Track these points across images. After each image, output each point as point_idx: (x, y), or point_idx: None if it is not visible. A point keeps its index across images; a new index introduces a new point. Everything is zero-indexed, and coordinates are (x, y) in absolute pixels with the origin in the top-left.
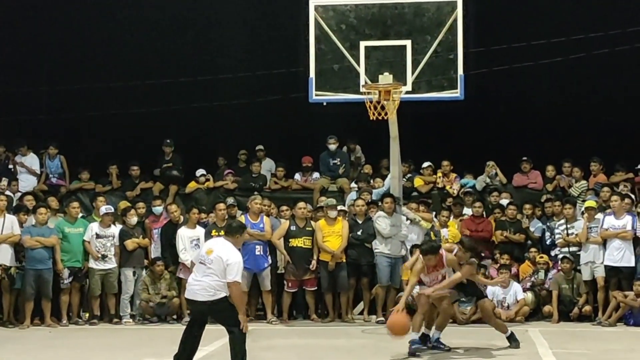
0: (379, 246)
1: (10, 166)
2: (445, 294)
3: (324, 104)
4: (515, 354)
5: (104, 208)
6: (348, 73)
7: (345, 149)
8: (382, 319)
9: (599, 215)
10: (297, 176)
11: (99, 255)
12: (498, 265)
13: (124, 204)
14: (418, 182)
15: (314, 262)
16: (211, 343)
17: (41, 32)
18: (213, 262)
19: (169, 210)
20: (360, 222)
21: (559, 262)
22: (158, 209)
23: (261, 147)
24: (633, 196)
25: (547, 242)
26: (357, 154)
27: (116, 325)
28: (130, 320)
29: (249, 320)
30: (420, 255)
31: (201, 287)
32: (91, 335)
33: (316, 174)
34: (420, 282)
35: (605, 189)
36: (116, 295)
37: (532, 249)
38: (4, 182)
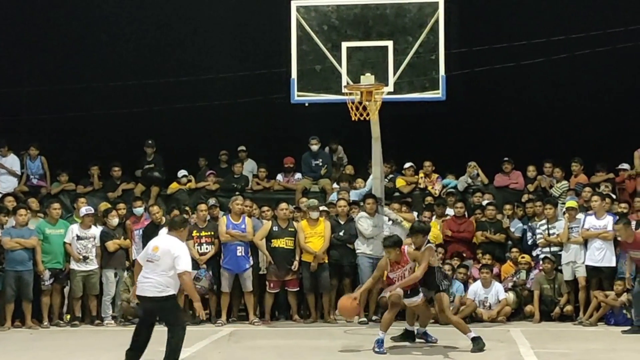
0: (361, 247)
1: None
2: (418, 302)
3: (306, 104)
4: (497, 354)
5: (84, 209)
6: (330, 74)
7: (327, 149)
8: (365, 319)
9: (580, 216)
10: (279, 177)
11: (80, 257)
12: (480, 265)
13: (104, 205)
14: (400, 182)
15: (295, 262)
16: (193, 344)
17: (22, 32)
18: (161, 259)
19: (150, 211)
20: (342, 222)
21: (541, 262)
22: (139, 209)
23: (243, 147)
24: (614, 196)
25: (529, 242)
26: (340, 154)
27: (98, 326)
28: (112, 321)
29: (232, 321)
30: None
31: (150, 284)
32: (73, 337)
33: (298, 175)
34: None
35: (587, 189)
36: (98, 297)
37: (514, 249)
38: None
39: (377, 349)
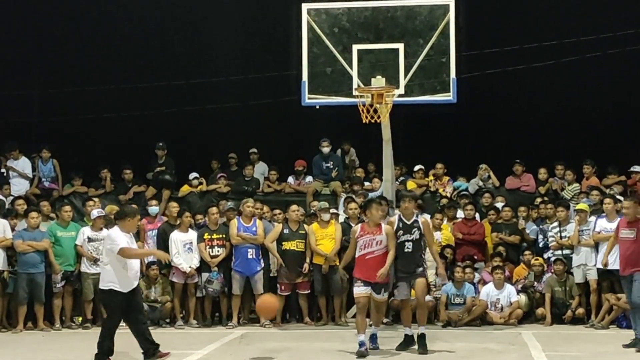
0: None
1: (2, 170)
2: (384, 299)
3: (317, 107)
4: (509, 357)
5: (96, 211)
6: (341, 76)
7: (339, 152)
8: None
9: (592, 218)
10: (290, 179)
11: (93, 257)
12: (491, 267)
13: (110, 208)
14: (411, 185)
15: (306, 265)
16: (205, 346)
17: (33, 36)
18: (105, 252)
19: (169, 206)
20: (353, 225)
21: (552, 264)
22: (154, 209)
23: (254, 150)
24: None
25: (540, 245)
26: (352, 156)
27: None
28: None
29: (243, 323)
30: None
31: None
32: (84, 339)
33: (309, 178)
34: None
35: (595, 192)
36: None
37: (527, 252)
38: None
39: (359, 349)
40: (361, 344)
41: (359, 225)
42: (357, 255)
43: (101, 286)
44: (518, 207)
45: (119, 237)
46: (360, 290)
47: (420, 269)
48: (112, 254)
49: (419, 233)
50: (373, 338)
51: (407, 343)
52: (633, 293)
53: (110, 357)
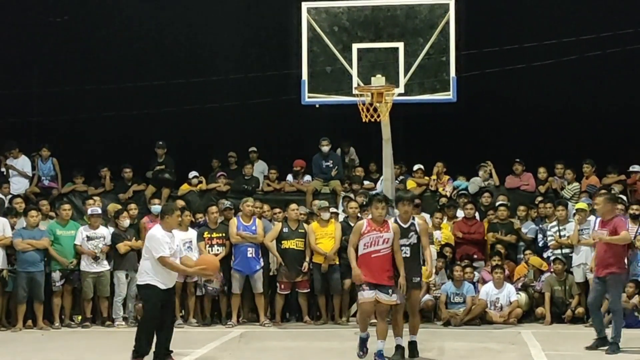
0: None
1: (2, 169)
2: (395, 301)
3: (317, 106)
4: (508, 356)
5: (90, 210)
6: (340, 75)
7: (338, 151)
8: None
9: (591, 217)
10: (290, 177)
11: (94, 253)
12: (490, 266)
13: (113, 207)
14: (410, 184)
15: (306, 264)
16: (204, 345)
17: (32, 34)
18: (144, 249)
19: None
20: (352, 225)
21: (552, 263)
22: (156, 207)
23: (254, 149)
24: (625, 198)
25: (540, 244)
26: (352, 156)
27: (109, 327)
28: (123, 322)
29: (243, 322)
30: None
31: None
32: (84, 338)
33: (307, 177)
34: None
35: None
36: (108, 298)
37: (527, 251)
38: None
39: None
40: (379, 355)
41: (365, 220)
42: (360, 254)
43: (139, 282)
44: (517, 207)
45: (160, 239)
46: (365, 296)
47: (417, 279)
48: (150, 253)
49: (416, 237)
50: (365, 344)
51: (401, 355)
52: (610, 299)
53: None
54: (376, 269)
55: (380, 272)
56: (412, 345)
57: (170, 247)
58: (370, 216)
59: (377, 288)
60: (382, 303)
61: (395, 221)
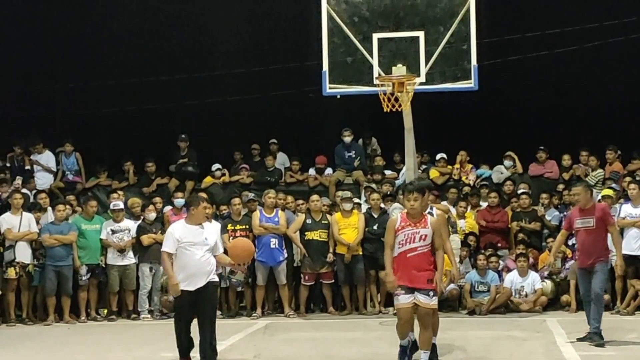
0: None
1: (27, 167)
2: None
3: (338, 96)
4: (533, 344)
5: (112, 204)
6: (361, 65)
7: (360, 141)
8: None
9: (616, 204)
10: (312, 171)
11: (120, 246)
12: (515, 254)
13: (133, 201)
14: (434, 173)
15: (330, 255)
16: (229, 337)
17: (55, 30)
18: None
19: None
20: (375, 216)
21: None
22: (180, 200)
23: (274, 140)
24: None
25: None
26: (373, 146)
27: (134, 320)
28: (148, 315)
29: (267, 313)
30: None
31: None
32: (109, 331)
33: (329, 170)
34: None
35: (628, 178)
36: (134, 292)
37: (550, 239)
38: (18, 180)
39: None
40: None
41: (399, 215)
42: (396, 253)
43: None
44: (540, 194)
45: (168, 234)
46: (402, 300)
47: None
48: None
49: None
50: (405, 353)
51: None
52: (595, 283)
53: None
54: (413, 269)
55: (418, 274)
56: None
57: (187, 242)
58: (404, 210)
59: (414, 291)
60: (423, 307)
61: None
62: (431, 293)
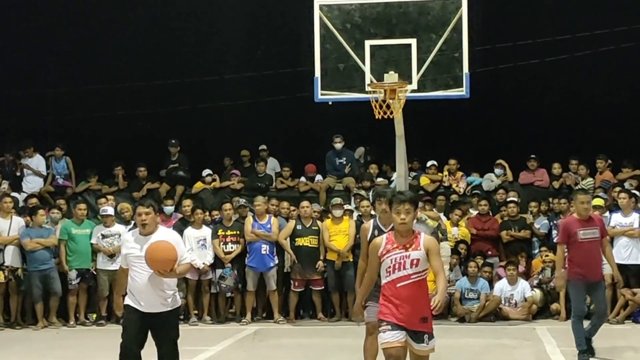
0: None
1: (18, 173)
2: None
3: (330, 103)
4: (523, 352)
5: (101, 209)
6: (353, 72)
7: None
8: None
9: (606, 213)
10: (303, 179)
11: (110, 251)
12: (505, 262)
13: (122, 206)
14: (424, 180)
15: (320, 263)
16: (218, 343)
17: (46, 34)
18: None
19: (182, 204)
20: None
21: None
22: (169, 208)
23: (264, 146)
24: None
25: (554, 240)
26: (361, 156)
27: None
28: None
29: (257, 319)
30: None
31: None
32: (98, 336)
33: (319, 177)
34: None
35: (617, 188)
36: (124, 297)
37: (543, 247)
38: (4, 184)
39: None
40: None
41: (384, 236)
42: (383, 282)
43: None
44: (529, 202)
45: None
46: (388, 338)
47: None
48: None
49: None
50: None
51: None
52: (603, 300)
53: None
54: (404, 303)
55: (411, 310)
56: None
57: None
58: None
59: (406, 331)
60: (417, 353)
61: (376, 225)
62: (426, 337)
